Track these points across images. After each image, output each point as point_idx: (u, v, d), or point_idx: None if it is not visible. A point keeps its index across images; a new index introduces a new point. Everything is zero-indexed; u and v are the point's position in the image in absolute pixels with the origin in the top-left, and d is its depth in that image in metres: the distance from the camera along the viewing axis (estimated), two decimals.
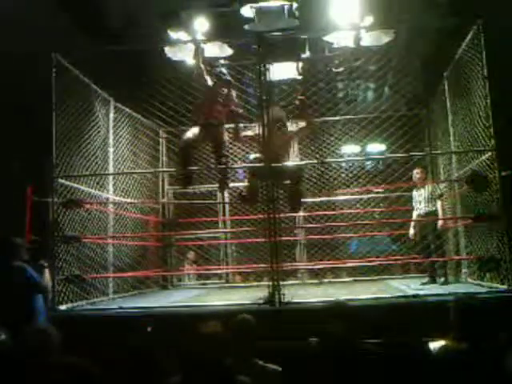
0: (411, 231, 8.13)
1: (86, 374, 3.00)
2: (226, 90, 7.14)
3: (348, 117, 9.86)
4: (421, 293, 6.30)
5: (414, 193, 8.15)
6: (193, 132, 7.24)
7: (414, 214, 8.14)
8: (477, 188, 6.54)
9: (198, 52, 7.21)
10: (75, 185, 6.99)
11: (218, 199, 10.02)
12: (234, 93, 7.33)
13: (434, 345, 3.42)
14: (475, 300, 3.98)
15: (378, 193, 9.66)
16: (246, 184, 7.59)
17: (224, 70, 7.35)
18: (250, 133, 7.22)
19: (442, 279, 7.50)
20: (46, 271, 5.95)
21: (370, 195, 9.56)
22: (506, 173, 6.27)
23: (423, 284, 7.55)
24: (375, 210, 9.71)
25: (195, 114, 7.43)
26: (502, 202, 6.10)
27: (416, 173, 8.05)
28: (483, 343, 3.29)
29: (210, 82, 7.23)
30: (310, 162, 9.74)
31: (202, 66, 7.20)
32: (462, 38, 6.91)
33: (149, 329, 3.84)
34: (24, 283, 5.46)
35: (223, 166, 7.44)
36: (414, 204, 8.19)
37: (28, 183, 6.86)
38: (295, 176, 6.93)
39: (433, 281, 7.61)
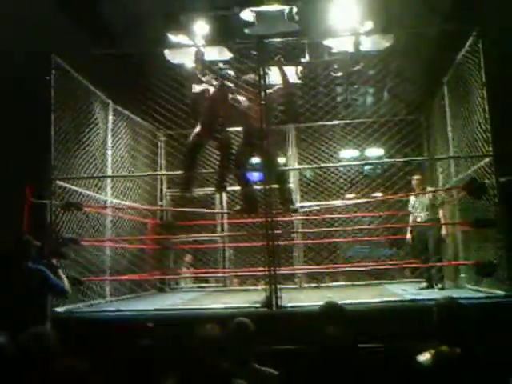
0: (408, 236, 8.14)
1: (83, 376, 3.00)
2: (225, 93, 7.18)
3: (347, 121, 9.87)
4: (418, 297, 6.31)
5: (412, 198, 8.16)
6: (196, 134, 7.26)
7: (411, 219, 8.15)
8: (474, 194, 6.55)
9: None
10: (73, 187, 6.99)
11: (217, 202, 10.03)
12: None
13: (423, 356, 3.40)
14: (465, 304, 3.98)
15: (374, 197, 9.65)
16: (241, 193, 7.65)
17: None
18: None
19: (440, 285, 7.47)
20: (61, 272, 5.59)
21: (367, 200, 9.53)
22: (504, 179, 6.28)
23: (420, 289, 7.55)
24: (372, 214, 9.70)
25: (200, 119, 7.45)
26: (499, 207, 6.12)
27: (416, 179, 8.05)
28: (478, 348, 3.29)
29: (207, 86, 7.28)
30: (308, 166, 9.77)
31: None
32: (461, 44, 6.93)
33: (150, 325, 3.83)
34: (44, 287, 5.14)
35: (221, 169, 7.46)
36: (409, 209, 8.21)
37: (26, 184, 6.81)
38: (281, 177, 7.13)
39: (430, 286, 7.61)
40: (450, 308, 3.65)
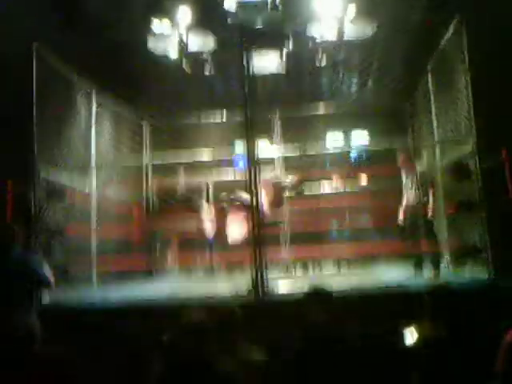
0: (400, 216, 7.66)
1: (67, 363, 3.01)
2: None
3: (331, 110, 9.89)
4: (404, 282, 6.36)
5: (403, 176, 7.63)
6: None
7: (405, 198, 7.60)
8: (458, 178, 6.59)
9: None
10: (57, 178, 6.95)
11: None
12: None
13: (410, 334, 3.44)
14: (451, 287, 4.03)
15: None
16: None
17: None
18: None
19: (435, 271, 7.02)
20: (45, 264, 5.16)
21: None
22: (486, 163, 6.34)
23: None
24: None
25: None
26: (482, 191, 6.20)
27: (400, 157, 7.63)
28: (462, 331, 3.34)
29: None
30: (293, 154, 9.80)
31: None
32: (445, 30, 6.96)
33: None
34: (29, 278, 4.85)
35: None
36: (404, 188, 7.64)
37: (8, 176, 6.76)
38: None
39: (419, 273, 7.17)
40: (443, 293, 3.69)
